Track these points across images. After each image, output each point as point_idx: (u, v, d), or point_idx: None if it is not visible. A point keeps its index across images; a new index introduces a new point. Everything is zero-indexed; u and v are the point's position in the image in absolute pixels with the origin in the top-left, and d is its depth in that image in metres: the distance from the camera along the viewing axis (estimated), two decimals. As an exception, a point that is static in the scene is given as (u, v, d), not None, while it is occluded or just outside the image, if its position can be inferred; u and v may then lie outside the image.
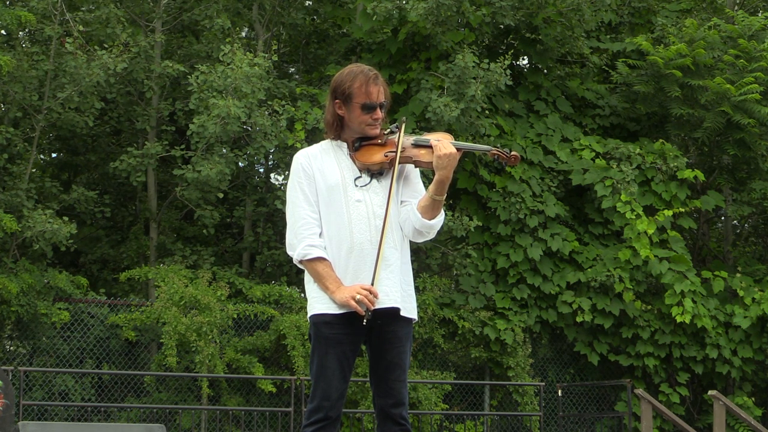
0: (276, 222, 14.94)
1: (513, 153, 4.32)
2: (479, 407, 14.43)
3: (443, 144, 4.23)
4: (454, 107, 13.18)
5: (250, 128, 13.48)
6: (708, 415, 14.34)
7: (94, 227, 15.22)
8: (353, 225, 4.21)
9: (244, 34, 17.28)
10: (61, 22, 13.29)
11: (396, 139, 4.31)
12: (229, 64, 13.00)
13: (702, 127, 14.98)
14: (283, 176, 15.93)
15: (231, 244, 15.57)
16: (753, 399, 14.99)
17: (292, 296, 13.45)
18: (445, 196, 4.27)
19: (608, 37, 16.55)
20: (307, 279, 4.29)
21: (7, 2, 13.94)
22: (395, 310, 4.22)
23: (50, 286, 12.60)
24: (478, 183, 14.62)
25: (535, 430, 13.82)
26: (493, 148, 4.34)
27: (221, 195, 13.62)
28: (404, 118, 4.43)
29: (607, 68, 16.24)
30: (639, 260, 14.21)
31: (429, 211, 4.26)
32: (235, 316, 12.82)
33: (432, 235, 4.35)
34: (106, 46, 13.45)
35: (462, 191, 14.70)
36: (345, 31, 16.07)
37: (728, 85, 14.62)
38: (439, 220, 4.29)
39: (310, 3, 16.45)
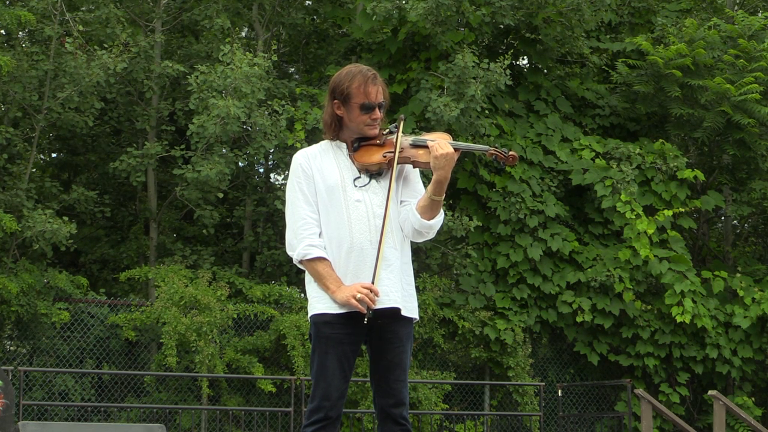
0: (276, 222, 14.94)
1: (511, 153, 4.31)
2: (479, 407, 14.43)
3: (440, 144, 4.22)
4: (454, 107, 13.18)
5: (249, 128, 13.48)
6: (708, 415, 14.34)
7: (94, 227, 15.21)
8: (353, 225, 4.21)
9: (243, 34, 17.27)
10: (61, 22, 13.29)
11: (394, 140, 4.30)
12: (228, 64, 13.00)
13: (702, 127, 14.99)
14: (283, 176, 15.94)
15: (231, 244, 15.57)
16: (753, 399, 14.99)
17: (292, 296, 13.45)
18: (443, 197, 4.26)
19: (608, 37, 16.54)
20: (308, 279, 4.29)
21: (7, 2, 13.93)
22: (396, 311, 4.22)
23: (50, 286, 12.60)
24: (478, 183, 14.62)
25: (535, 430, 13.83)
26: (492, 148, 4.33)
27: (221, 195, 13.62)
28: (402, 116, 4.42)
29: (607, 68, 16.24)
30: (639, 260, 14.21)
31: (428, 212, 4.25)
32: (235, 316, 12.82)
33: (432, 236, 4.34)
34: (105, 46, 13.45)
35: (462, 191, 14.70)
36: (345, 31, 16.07)
37: (728, 85, 14.62)
38: (439, 220, 4.28)
39: (310, 3, 16.44)
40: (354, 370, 4.32)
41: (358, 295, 4.10)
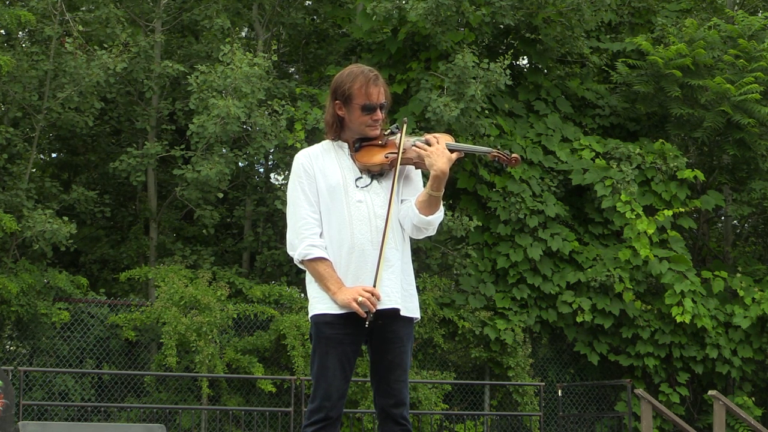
0: (276, 222, 14.94)
1: (514, 155, 4.31)
2: (479, 407, 14.43)
3: (435, 152, 4.22)
4: (454, 107, 13.17)
5: (249, 128, 13.48)
6: (708, 415, 14.34)
7: (94, 227, 15.21)
8: (354, 225, 4.21)
9: (244, 34, 17.27)
10: (61, 22, 13.29)
11: (396, 140, 4.30)
12: (228, 64, 13.00)
13: (702, 126, 14.99)
14: (283, 176, 15.94)
15: (231, 244, 15.57)
16: (753, 399, 14.99)
17: (292, 296, 13.45)
18: (442, 192, 4.24)
19: (608, 37, 16.55)
20: (309, 279, 4.29)
21: (7, 2, 13.93)
22: (396, 311, 4.22)
23: (50, 286, 12.60)
24: (478, 183, 14.62)
25: (535, 430, 13.82)
26: (494, 150, 4.33)
27: (221, 195, 13.62)
28: (405, 119, 4.42)
29: (607, 68, 16.24)
30: (639, 260, 14.21)
31: (427, 207, 4.25)
32: (235, 316, 12.82)
33: (431, 232, 4.33)
34: (105, 46, 13.45)
35: (462, 191, 14.70)
36: (345, 31, 16.07)
37: (728, 85, 14.62)
38: (438, 216, 4.28)
39: (310, 3, 16.44)
40: (354, 370, 4.31)
41: (360, 299, 4.10)
